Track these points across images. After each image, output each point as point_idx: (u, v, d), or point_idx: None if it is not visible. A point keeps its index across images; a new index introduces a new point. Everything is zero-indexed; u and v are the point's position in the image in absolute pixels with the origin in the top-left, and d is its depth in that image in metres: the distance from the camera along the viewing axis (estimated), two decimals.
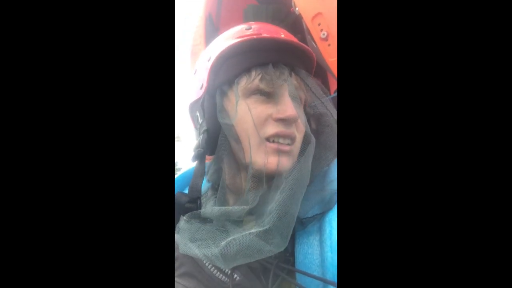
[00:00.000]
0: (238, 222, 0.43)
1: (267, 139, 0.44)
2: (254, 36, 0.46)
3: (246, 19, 0.93)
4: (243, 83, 0.46)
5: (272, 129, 0.44)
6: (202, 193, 0.48)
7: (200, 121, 0.49)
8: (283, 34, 0.49)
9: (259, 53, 0.46)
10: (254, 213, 0.43)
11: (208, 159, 0.50)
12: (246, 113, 0.45)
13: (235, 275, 0.42)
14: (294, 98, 0.45)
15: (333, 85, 0.85)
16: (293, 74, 0.47)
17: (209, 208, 0.46)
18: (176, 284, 0.44)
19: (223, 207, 0.45)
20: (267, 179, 0.44)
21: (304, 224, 0.43)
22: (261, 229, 0.38)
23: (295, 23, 0.78)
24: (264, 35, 0.47)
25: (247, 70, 0.46)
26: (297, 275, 0.41)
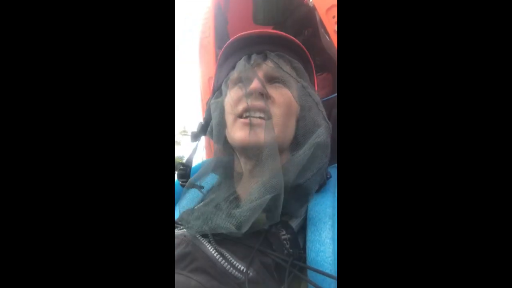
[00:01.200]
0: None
1: (240, 116, 0.47)
2: (232, 38, 0.54)
3: (255, 9, 0.91)
4: (231, 77, 0.52)
5: (242, 104, 0.47)
6: (212, 186, 0.53)
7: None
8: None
9: (241, 50, 0.53)
10: (247, 188, 0.46)
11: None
12: (228, 98, 0.51)
13: (249, 271, 0.42)
14: (270, 78, 0.50)
15: None
16: (267, 59, 0.51)
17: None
18: (188, 279, 0.44)
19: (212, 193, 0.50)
20: (247, 153, 0.47)
21: (308, 189, 0.46)
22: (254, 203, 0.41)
23: (306, 16, 0.77)
24: (237, 35, 0.53)
25: (232, 68, 0.52)
26: (309, 272, 0.40)
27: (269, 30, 0.54)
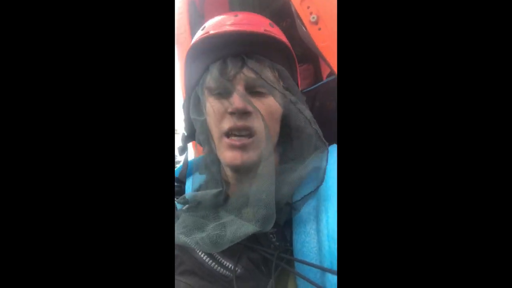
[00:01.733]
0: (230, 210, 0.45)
1: (226, 134, 0.46)
2: (202, 36, 0.48)
3: (231, 4, 0.90)
4: (206, 83, 0.48)
5: (227, 123, 0.45)
6: (197, 186, 0.52)
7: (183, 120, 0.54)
8: (250, 24, 0.48)
9: (213, 51, 0.48)
10: (234, 202, 0.45)
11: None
12: (209, 110, 0.47)
13: (237, 268, 0.42)
14: (250, 88, 0.46)
15: (326, 70, 0.82)
16: (245, 65, 0.46)
17: (188, 194, 0.49)
18: (177, 282, 0.44)
19: (199, 192, 0.48)
20: (235, 171, 0.47)
21: (296, 208, 0.44)
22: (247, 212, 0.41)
23: (283, 7, 0.75)
24: (211, 32, 0.47)
25: (206, 69, 0.48)
26: (296, 263, 0.41)
27: (246, 27, 0.47)
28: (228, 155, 0.46)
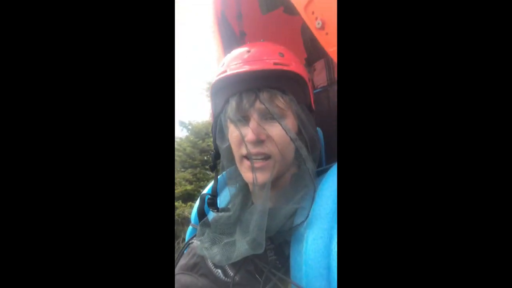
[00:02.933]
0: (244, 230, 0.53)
1: (244, 157, 0.54)
2: (222, 75, 0.56)
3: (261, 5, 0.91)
4: (227, 113, 0.56)
5: (244, 150, 0.54)
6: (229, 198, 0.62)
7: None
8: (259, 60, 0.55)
9: (231, 87, 0.56)
10: (243, 221, 0.54)
11: None
12: (230, 137, 0.57)
13: (236, 277, 0.53)
14: (265, 115, 0.54)
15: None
16: (257, 98, 0.53)
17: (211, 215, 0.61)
18: (197, 280, 0.57)
19: (216, 214, 0.59)
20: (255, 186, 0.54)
21: (287, 236, 0.52)
22: (247, 237, 0.50)
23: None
24: (228, 71, 0.55)
25: (226, 102, 0.56)
26: (292, 273, 0.49)
27: (258, 65, 0.54)
28: (248, 176, 0.55)
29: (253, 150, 0.53)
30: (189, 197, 4.57)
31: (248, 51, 0.56)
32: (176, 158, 5.12)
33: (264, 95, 0.53)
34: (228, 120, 0.56)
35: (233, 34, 0.85)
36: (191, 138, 5.30)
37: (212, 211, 0.62)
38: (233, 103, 0.54)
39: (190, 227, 0.73)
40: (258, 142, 0.53)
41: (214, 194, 0.64)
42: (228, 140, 0.57)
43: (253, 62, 0.55)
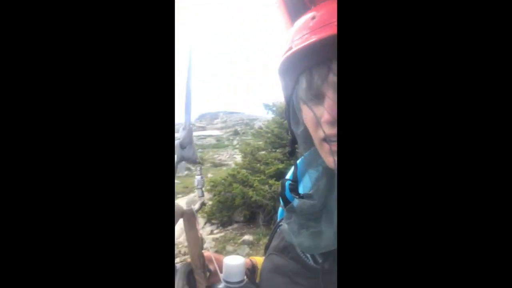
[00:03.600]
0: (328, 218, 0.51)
1: (324, 140, 0.48)
2: (287, 53, 0.49)
3: None
4: (299, 94, 0.51)
5: (321, 132, 0.48)
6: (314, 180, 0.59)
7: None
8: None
9: (299, 62, 0.48)
10: (329, 210, 0.51)
11: None
12: (305, 119, 0.51)
13: (325, 264, 0.51)
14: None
15: None
16: (330, 71, 0.46)
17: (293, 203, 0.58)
18: (287, 263, 0.57)
19: (300, 200, 0.56)
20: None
21: None
22: (334, 228, 0.47)
23: None
24: (293, 48, 0.47)
25: (296, 81, 0.50)
26: None
27: (325, 32, 0.45)
28: (329, 160, 0.48)
29: (331, 131, 0.46)
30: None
31: (313, 18, 0.47)
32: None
33: (335, 68, 0.45)
34: (300, 102, 0.51)
35: (300, 1, 0.69)
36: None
37: (294, 197, 0.58)
38: (303, 81, 0.48)
39: (280, 208, 0.70)
40: (336, 122, 0.45)
41: (295, 179, 0.60)
42: (303, 124, 0.52)
43: (320, 29, 0.45)
